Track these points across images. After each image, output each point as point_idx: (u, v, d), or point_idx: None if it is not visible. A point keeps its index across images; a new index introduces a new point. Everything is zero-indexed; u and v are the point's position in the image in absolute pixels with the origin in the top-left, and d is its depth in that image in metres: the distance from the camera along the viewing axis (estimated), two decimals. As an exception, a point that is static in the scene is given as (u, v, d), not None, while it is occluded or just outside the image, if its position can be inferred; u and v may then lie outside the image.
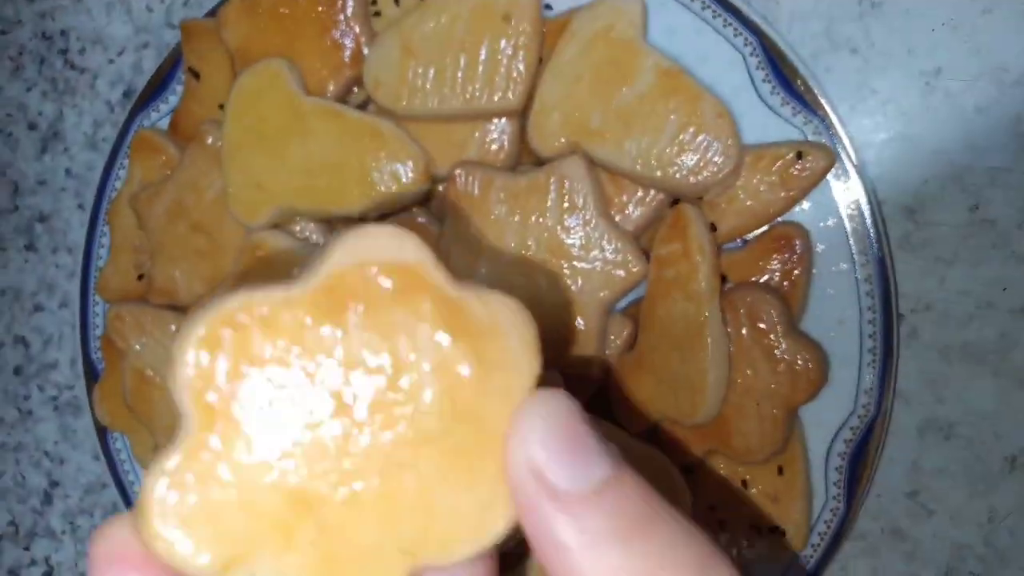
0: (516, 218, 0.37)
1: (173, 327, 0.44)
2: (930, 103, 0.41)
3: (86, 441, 0.55)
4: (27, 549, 0.57)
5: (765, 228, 0.38)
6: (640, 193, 0.37)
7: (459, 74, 0.37)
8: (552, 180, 0.37)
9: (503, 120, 0.38)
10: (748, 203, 0.37)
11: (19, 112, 0.56)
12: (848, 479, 0.39)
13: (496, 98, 0.37)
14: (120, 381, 0.46)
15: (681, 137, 0.35)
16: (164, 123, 0.48)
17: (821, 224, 0.38)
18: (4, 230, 0.56)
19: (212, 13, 0.46)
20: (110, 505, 0.55)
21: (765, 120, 0.38)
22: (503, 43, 0.36)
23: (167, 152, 0.46)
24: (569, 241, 0.37)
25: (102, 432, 0.50)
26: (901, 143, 0.41)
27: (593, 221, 0.37)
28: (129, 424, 0.47)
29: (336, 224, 0.41)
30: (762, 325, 0.36)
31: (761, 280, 0.37)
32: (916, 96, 0.41)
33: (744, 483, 0.38)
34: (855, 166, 0.38)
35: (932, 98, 0.41)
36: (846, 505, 0.39)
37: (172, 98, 0.48)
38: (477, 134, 0.38)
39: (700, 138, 0.35)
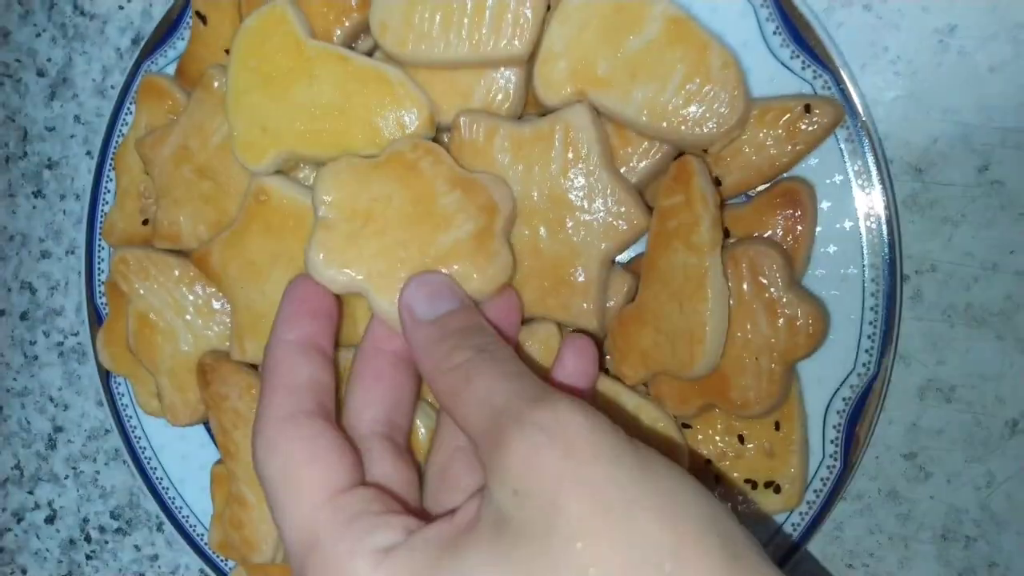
0: (520, 167, 0.37)
1: (177, 271, 0.44)
2: (943, 61, 0.40)
3: (90, 387, 0.56)
4: (31, 493, 0.58)
5: (770, 184, 0.38)
6: (645, 145, 0.37)
7: (465, 19, 0.36)
8: (557, 129, 0.36)
9: (509, 69, 0.37)
10: (753, 157, 0.37)
11: (28, 58, 0.56)
12: (845, 438, 0.39)
13: (503, 44, 0.36)
14: (124, 325, 0.46)
15: (687, 87, 0.35)
16: (172, 68, 0.48)
17: (827, 181, 0.38)
18: (13, 176, 0.56)
19: (221, -39, 0.45)
20: (112, 451, 0.56)
21: (774, 73, 0.38)
22: (510, -12, 0.36)
23: (173, 97, 0.46)
24: (572, 192, 0.37)
25: (106, 379, 0.50)
26: (911, 101, 0.41)
27: (597, 172, 0.36)
28: (132, 368, 0.48)
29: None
30: (763, 279, 0.35)
31: (764, 235, 0.37)
32: (928, 54, 0.40)
33: (741, 438, 0.38)
34: (864, 123, 0.38)
35: (945, 56, 0.40)
36: (843, 464, 0.40)
37: (180, 43, 0.48)
38: (482, 82, 0.38)
39: (706, 88, 0.35)
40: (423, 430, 0.38)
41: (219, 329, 0.44)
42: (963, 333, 0.41)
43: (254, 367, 0.43)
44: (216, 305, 0.44)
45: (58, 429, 0.57)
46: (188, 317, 0.44)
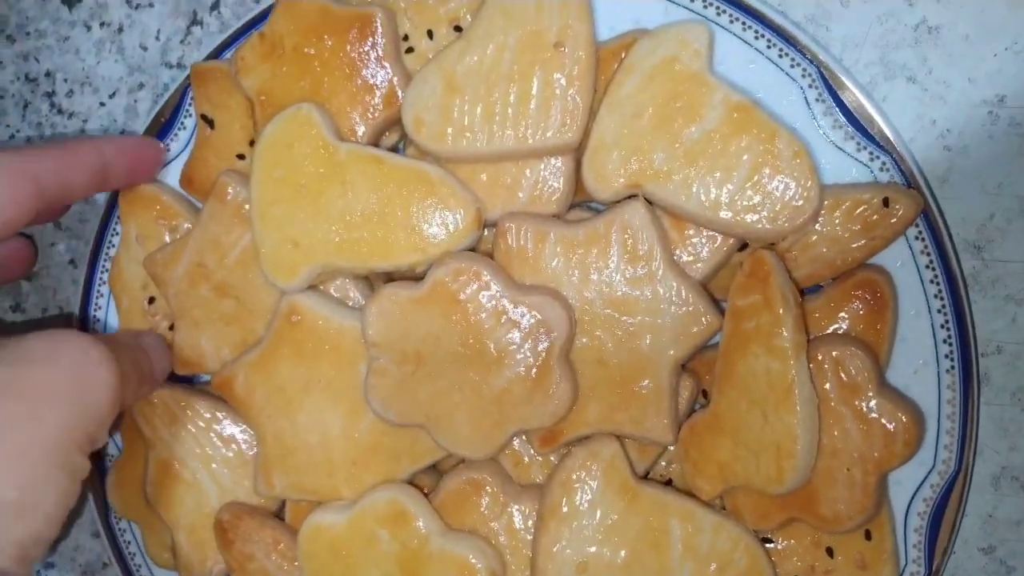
0: (575, 273, 0.34)
1: (207, 415, 0.40)
2: (993, 133, 0.39)
3: (86, 516, 0.51)
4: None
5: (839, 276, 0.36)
6: (707, 238, 0.35)
7: (509, 110, 0.34)
8: (613, 229, 0.34)
9: (556, 159, 0.35)
10: (824, 250, 0.35)
11: (1, 161, 0.51)
12: (928, 539, 0.37)
13: (550, 134, 0.34)
14: (139, 468, 0.41)
15: (755, 178, 0.33)
16: (167, 172, 0.44)
17: (890, 267, 0.36)
18: (-13, 290, 0.52)
19: (215, 54, 0.42)
20: (109, 586, 0.50)
21: (828, 156, 0.36)
22: (556, 75, 0.34)
23: (161, 202, 0.43)
24: (634, 295, 0.34)
25: (104, 509, 0.45)
26: (964, 176, 0.39)
27: (660, 272, 0.34)
28: (145, 516, 0.43)
29: (376, 279, 0.38)
30: (851, 382, 0.33)
31: (841, 331, 0.35)
32: (978, 126, 0.39)
33: (829, 550, 0.35)
34: (926, 204, 0.36)
35: (995, 128, 0.39)
36: (927, 568, 0.37)
37: (174, 145, 0.44)
38: (529, 173, 0.35)
39: (776, 180, 0.33)
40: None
41: (249, 484, 0.40)
42: (1035, 416, 0.39)
43: (280, 516, 0.39)
44: (250, 454, 0.40)
45: (48, 565, 0.52)
46: (215, 467, 0.40)
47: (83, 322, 0.45)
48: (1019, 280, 0.39)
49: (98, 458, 0.45)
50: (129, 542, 0.45)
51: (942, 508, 0.37)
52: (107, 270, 0.44)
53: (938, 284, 0.36)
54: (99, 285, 0.45)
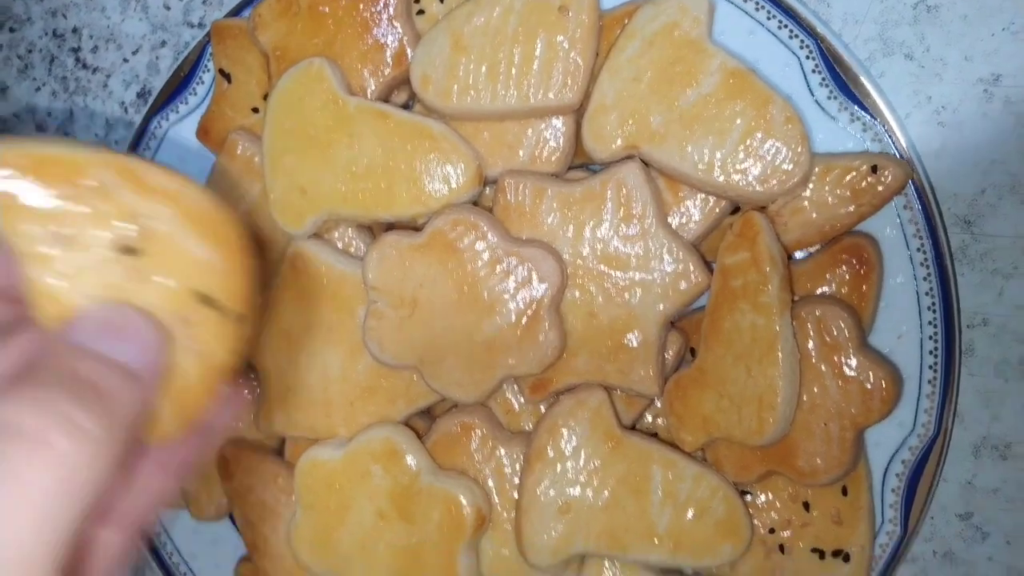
0: (570, 229, 0.36)
1: None
2: (988, 111, 0.40)
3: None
4: None
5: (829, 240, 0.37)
6: (700, 200, 0.36)
7: (513, 70, 0.35)
8: (609, 188, 0.35)
9: (558, 119, 0.36)
10: (814, 215, 0.36)
11: (27, 113, 0.53)
12: (905, 500, 0.38)
13: (552, 95, 0.35)
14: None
15: (748, 142, 0.34)
16: (184, 125, 0.46)
17: (879, 235, 0.37)
18: (9, 236, 0.53)
19: (235, 12, 0.44)
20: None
21: (822, 125, 0.37)
22: (560, 37, 0.35)
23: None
24: (626, 252, 0.35)
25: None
26: (957, 152, 0.40)
27: (652, 230, 0.35)
28: None
29: (379, 229, 0.39)
30: (832, 340, 0.34)
31: (827, 293, 0.36)
32: (974, 103, 0.40)
33: (806, 504, 0.37)
34: (916, 175, 0.37)
35: (990, 106, 0.40)
36: (903, 527, 0.38)
37: (192, 99, 0.46)
38: (530, 132, 0.36)
39: (768, 144, 0.34)
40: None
41: (249, 418, 0.41)
42: (1017, 388, 0.40)
43: (280, 452, 0.40)
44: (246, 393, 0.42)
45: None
46: None
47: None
48: (1007, 255, 0.40)
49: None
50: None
51: (920, 471, 0.38)
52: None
53: (925, 254, 0.37)
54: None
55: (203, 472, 0.42)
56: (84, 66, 0.52)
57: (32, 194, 0.22)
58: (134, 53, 0.51)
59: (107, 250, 0.22)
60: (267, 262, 0.38)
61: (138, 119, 0.47)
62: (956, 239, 0.40)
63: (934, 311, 0.37)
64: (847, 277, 0.36)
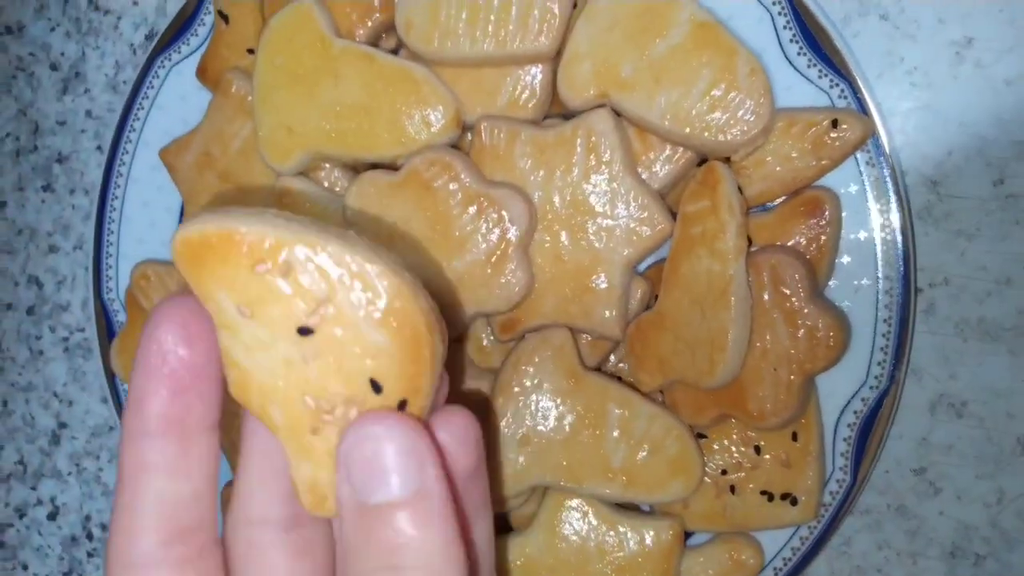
0: (541, 172, 0.37)
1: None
2: (959, 73, 0.40)
3: (95, 384, 0.55)
4: (34, 489, 0.58)
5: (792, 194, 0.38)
6: (668, 151, 0.37)
7: (492, 16, 0.36)
8: (579, 133, 0.37)
9: (535, 67, 0.38)
10: (777, 168, 0.37)
11: (42, 52, 0.55)
12: (856, 451, 0.40)
13: (529, 41, 0.36)
14: (139, 336, 0.46)
15: (712, 93, 0.35)
16: (185, 64, 0.47)
17: (842, 190, 0.38)
18: (23, 170, 0.56)
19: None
20: (115, 449, 0.55)
21: (791, 82, 0.38)
22: (538, -15, 0.36)
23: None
24: (594, 197, 0.37)
25: (111, 377, 0.50)
26: (927, 113, 0.41)
27: (619, 177, 0.36)
28: None
29: (362, 169, 0.41)
30: (785, 289, 0.35)
31: (787, 244, 0.37)
32: (945, 65, 0.40)
33: (757, 448, 0.38)
34: (881, 134, 0.38)
35: (961, 68, 0.40)
36: (852, 477, 0.40)
37: (193, 40, 0.48)
38: (509, 80, 0.38)
39: (731, 95, 0.35)
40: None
41: None
42: (976, 347, 0.42)
43: None
44: None
45: (62, 425, 0.56)
46: None
47: (102, 200, 0.49)
48: (971, 216, 0.41)
49: (109, 331, 0.50)
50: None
51: (871, 423, 0.39)
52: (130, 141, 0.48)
53: (886, 211, 0.38)
54: (119, 166, 0.49)
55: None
56: (96, 8, 0.54)
57: (228, 265, 0.21)
58: (143, -4, 0.53)
59: (288, 329, 0.21)
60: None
61: (144, 60, 0.49)
62: (921, 198, 0.41)
63: (890, 267, 0.38)
64: (805, 229, 0.37)
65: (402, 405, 0.22)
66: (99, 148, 0.54)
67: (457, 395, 0.40)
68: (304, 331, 0.21)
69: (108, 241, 0.50)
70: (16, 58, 0.56)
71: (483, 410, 0.38)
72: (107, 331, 0.50)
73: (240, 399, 0.23)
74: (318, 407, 0.22)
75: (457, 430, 0.23)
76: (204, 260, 0.21)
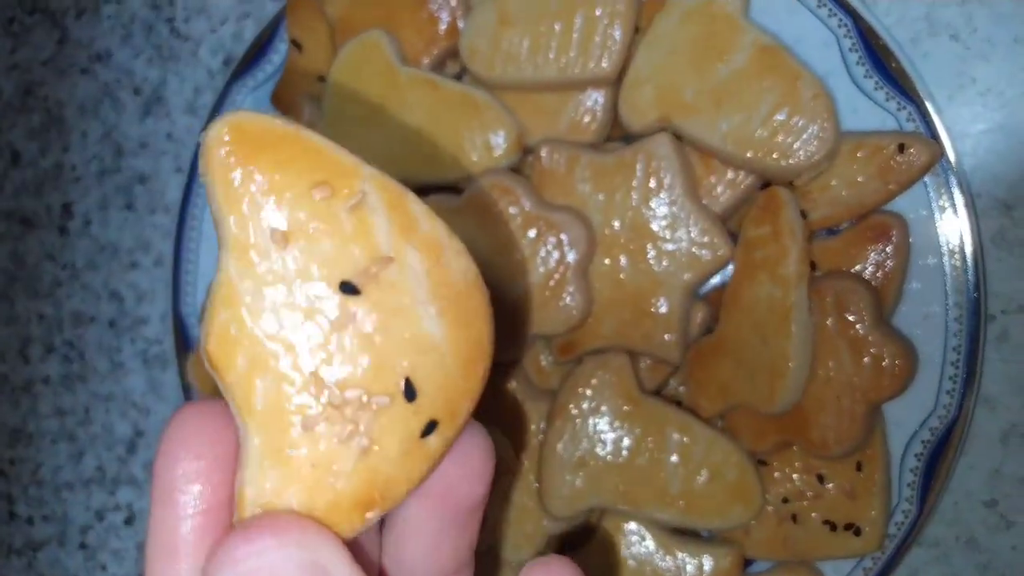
0: (600, 196, 0.37)
1: None
2: (1036, 96, 0.39)
3: (171, 394, 0.57)
4: (112, 494, 0.60)
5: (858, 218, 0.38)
6: (730, 175, 0.37)
7: (553, 42, 0.37)
8: (639, 158, 0.37)
9: (596, 91, 0.38)
10: (843, 193, 0.36)
11: (126, 77, 0.58)
12: (923, 482, 0.39)
13: (590, 66, 0.37)
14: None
15: (775, 117, 0.35)
16: (262, 91, 0.49)
17: (911, 215, 0.37)
18: (107, 190, 0.59)
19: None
20: (190, 458, 0.57)
21: (857, 104, 0.37)
22: (598, 11, 0.37)
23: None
24: (654, 221, 0.37)
25: (186, 387, 0.52)
26: (1000, 135, 0.40)
27: (679, 201, 0.36)
28: (220, 393, 0.49)
29: (427, 193, 0.42)
30: (850, 316, 0.35)
31: (853, 270, 0.37)
32: (1019, 87, 0.39)
33: (820, 477, 0.38)
34: (951, 157, 0.37)
35: (1038, 91, 0.39)
36: (919, 508, 0.39)
37: (268, 67, 0.49)
38: (570, 104, 0.38)
39: (795, 120, 0.35)
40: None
41: None
42: (1053, 377, 0.40)
43: None
44: None
45: (139, 434, 0.59)
46: None
47: (181, 218, 0.51)
48: (1048, 242, 0.40)
49: (185, 344, 0.52)
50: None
51: (939, 453, 0.38)
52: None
53: (956, 236, 0.37)
54: (197, 187, 0.51)
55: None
56: (177, 35, 0.57)
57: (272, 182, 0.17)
58: (222, 24, 0.55)
59: (328, 278, 0.17)
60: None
61: (222, 85, 0.51)
62: (995, 223, 0.40)
63: (961, 294, 0.37)
64: (873, 255, 0.36)
65: (428, 429, 0.18)
66: (178, 169, 0.57)
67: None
68: (348, 288, 0.17)
69: (187, 259, 0.52)
70: (103, 84, 0.59)
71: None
72: (183, 344, 0.52)
73: (214, 356, 0.18)
74: (327, 396, 0.17)
75: (474, 464, 0.20)
76: (254, 158, 0.17)
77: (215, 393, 0.49)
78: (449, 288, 0.17)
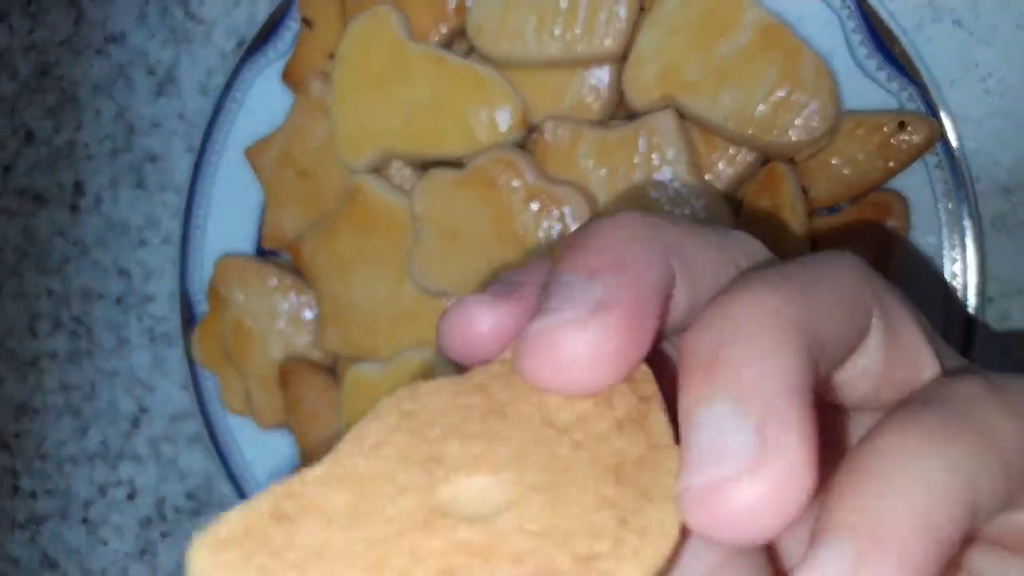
0: (603, 172, 0.38)
1: (274, 280, 0.46)
2: (1037, 82, 0.40)
3: (176, 372, 0.58)
4: (114, 469, 0.61)
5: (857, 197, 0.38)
6: (732, 151, 0.38)
7: (559, 19, 0.38)
8: (642, 134, 0.37)
9: (602, 68, 0.39)
10: (844, 171, 0.37)
11: (140, 58, 0.59)
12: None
13: (595, 44, 0.37)
14: (220, 326, 0.48)
15: (777, 93, 0.35)
16: (272, 69, 0.50)
17: (911, 195, 0.38)
18: (119, 168, 0.59)
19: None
20: (193, 435, 0.58)
21: (859, 84, 0.38)
22: (603, -11, 0.37)
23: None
24: (656, 196, 0.37)
25: (192, 365, 0.52)
26: (1001, 119, 0.40)
27: (682, 177, 0.37)
28: (222, 367, 0.50)
29: (429, 168, 0.42)
30: (846, 289, 0.35)
31: (852, 248, 0.37)
32: (1021, 72, 0.40)
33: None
34: (952, 139, 0.37)
35: (1040, 77, 0.40)
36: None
37: (280, 45, 0.50)
38: (574, 81, 0.39)
39: (796, 96, 0.35)
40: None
41: (309, 339, 0.46)
42: (1051, 360, 0.40)
43: (333, 371, 0.44)
44: (307, 315, 0.46)
45: (143, 410, 0.59)
46: (280, 325, 0.46)
47: (190, 197, 0.52)
48: (1048, 226, 0.40)
49: (191, 320, 0.52)
50: (210, 389, 0.52)
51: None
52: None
53: (955, 218, 0.37)
54: (206, 167, 0.52)
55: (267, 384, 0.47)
56: (192, 18, 0.58)
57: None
58: (235, 7, 0.56)
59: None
60: None
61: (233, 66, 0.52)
62: (995, 207, 0.40)
63: (959, 275, 0.38)
64: (872, 232, 0.37)
65: None
66: (189, 149, 0.57)
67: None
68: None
69: (194, 236, 0.52)
70: (118, 65, 0.60)
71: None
72: (189, 321, 0.52)
73: None
74: None
75: None
76: None
77: (220, 371, 0.50)
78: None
